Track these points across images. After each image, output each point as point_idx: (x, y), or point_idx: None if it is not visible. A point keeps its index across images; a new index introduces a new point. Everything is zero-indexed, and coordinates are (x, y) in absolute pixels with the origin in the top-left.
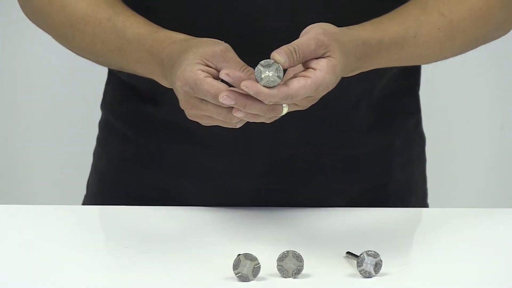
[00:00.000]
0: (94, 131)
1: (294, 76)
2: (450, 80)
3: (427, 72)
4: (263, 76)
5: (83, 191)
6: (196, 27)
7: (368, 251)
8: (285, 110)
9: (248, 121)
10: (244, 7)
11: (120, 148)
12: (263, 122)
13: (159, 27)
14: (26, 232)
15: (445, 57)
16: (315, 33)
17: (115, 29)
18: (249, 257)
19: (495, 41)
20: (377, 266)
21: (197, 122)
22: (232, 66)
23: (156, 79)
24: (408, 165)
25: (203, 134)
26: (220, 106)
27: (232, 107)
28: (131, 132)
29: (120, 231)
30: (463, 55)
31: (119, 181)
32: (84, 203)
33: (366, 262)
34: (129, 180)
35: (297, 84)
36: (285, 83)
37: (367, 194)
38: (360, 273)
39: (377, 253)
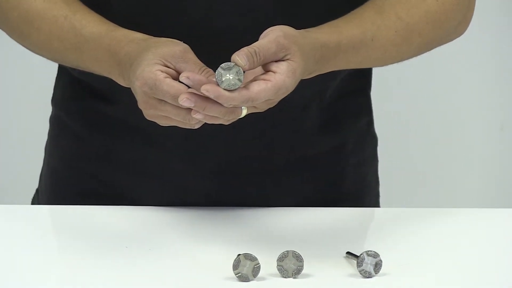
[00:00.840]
0: (46, 125)
1: (254, 79)
2: (450, 80)
3: (427, 72)
4: (223, 79)
5: (35, 184)
6: (153, 27)
7: (368, 251)
8: (244, 113)
9: (205, 122)
10: (201, 7)
11: (72, 145)
12: (220, 123)
13: (117, 25)
14: None
15: (401, 60)
16: (275, 35)
17: (72, 27)
18: (249, 257)
19: (496, 41)
20: (377, 266)
21: (153, 122)
22: (191, 67)
23: (113, 78)
24: (361, 166)
25: (159, 134)
26: (179, 107)
27: (191, 108)
28: (84, 129)
29: (118, 232)
30: (464, 55)
31: (72, 178)
32: (36, 197)
33: (366, 262)
34: (82, 177)
35: (257, 88)
36: (245, 86)
37: (321, 194)
38: (360, 273)
39: (377, 253)
